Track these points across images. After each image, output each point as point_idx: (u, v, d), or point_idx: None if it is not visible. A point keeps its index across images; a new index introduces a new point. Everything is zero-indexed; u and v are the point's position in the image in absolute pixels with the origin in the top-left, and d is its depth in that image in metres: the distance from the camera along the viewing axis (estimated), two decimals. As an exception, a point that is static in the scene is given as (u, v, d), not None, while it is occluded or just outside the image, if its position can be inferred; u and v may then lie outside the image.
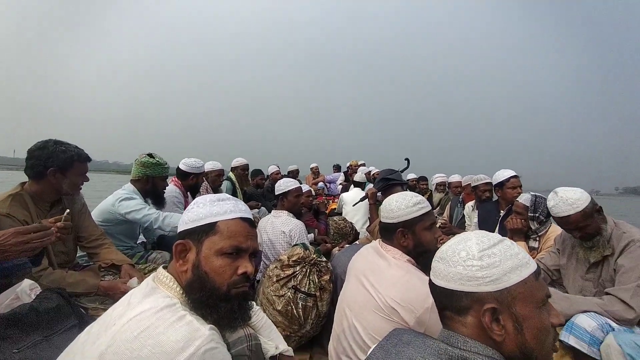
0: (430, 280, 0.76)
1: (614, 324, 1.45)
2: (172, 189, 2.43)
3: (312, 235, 2.85)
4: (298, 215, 2.44)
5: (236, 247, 0.78)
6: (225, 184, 3.73)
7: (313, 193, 3.80)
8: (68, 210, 1.19)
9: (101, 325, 0.69)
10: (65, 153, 1.46)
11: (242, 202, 0.88)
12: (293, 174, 6.08)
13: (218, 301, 0.75)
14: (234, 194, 3.84)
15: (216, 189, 3.43)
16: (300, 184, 2.85)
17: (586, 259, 1.69)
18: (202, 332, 0.65)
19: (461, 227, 3.50)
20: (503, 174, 2.77)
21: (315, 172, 7.26)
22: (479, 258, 0.65)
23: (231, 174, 4.04)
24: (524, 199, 2.34)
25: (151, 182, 2.12)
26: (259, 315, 1.11)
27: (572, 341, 1.46)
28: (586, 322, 1.46)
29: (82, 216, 1.66)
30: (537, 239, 2.34)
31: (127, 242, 2.13)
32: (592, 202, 1.64)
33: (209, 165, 3.35)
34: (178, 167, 2.60)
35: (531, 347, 0.63)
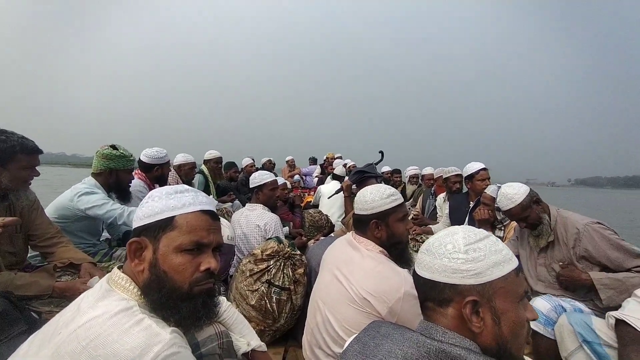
0: (414, 271, 0.76)
1: (565, 305, 1.56)
2: (136, 183, 2.31)
3: (287, 228, 2.83)
4: (273, 209, 2.40)
5: (197, 243, 0.74)
6: (197, 178, 3.61)
7: (289, 186, 3.75)
8: None
9: (45, 334, 0.62)
10: (6, 143, 1.32)
11: (203, 194, 0.83)
12: (268, 167, 5.98)
13: (179, 301, 0.70)
14: (206, 187, 3.73)
15: (189, 183, 3.31)
16: (276, 176, 2.80)
17: (536, 246, 1.82)
18: (162, 336, 0.60)
19: (433, 218, 3.61)
20: (473, 167, 2.85)
21: (291, 165, 7.20)
22: (465, 251, 0.67)
23: (203, 167, 3.91)
24: (491, 190, 2.44)
25: (115, 175, 1.99)
26: (229, 312, 1.08)
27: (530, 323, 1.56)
28: (541, 304, 1.57)
29: (33, 213, 1.52)
30: (502, 228, 2.47)
31: (89, 240, 2.00)
32: (530, 195, 1.76)
33: (181, 158, 3.23)
34: (139, 159, 2.47)
35: (506, 340, 0.65)
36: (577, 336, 1.40)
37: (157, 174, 2.50)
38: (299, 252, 1.83)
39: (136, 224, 0.75)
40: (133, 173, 2.18)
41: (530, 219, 1.78)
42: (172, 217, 0.73)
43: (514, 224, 2.29)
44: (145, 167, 2.48)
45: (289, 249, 1.75)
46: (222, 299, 1.05)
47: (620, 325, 1.32)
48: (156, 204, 0.75)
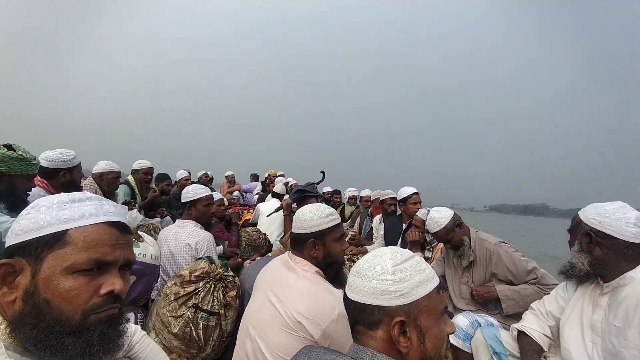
0: (345, 294, 0.76)
1: (480, 320, 1.72)
2: (36, 192, 1.93)
3: (221, 247, 2.65)
4: (207, 226, 2.23)
5: (97, 261, 0.60)
6: (122, 189, 3.21)
7: (226, 202, 3.55)
8: None
9: None
10: None
11: (111, 202, 0.70)
12: (204, 181, 5.64)
13: (64, 336, 0.56)
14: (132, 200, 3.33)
15: (112, 194, 2.92)
16: (213, 191, 2.63)
17: (459, 265, 2.02)
18: None
19: (369, 239, 3.76)
20: (406, 191, 3.06)
21: (231, 181, 6.92)
22: (392, 272, 0.69)
23: (130, 178, 3.50)
24: (422, 213, 2.65)
25: (7, 181, 1.64)
26: (143, 343, 0.94)
27: (451, 339, 1.68)
28: (462, 320, 1.71)
29: None
30: (431, 249, 2.67)
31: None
32: (453, 219, 1.99)
33: (104, 165, 2.84)
34: (40, 164, 2.10)
35: (430, 355, 0.68)
36: (489, 349, 1.54)
37: (63, 181, 2.09)
38: (232, 273, 1.71)
39: (10, 241, 0.60)
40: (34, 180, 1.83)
41: (453, 240, 1.98)
42: (65, 232, 0.59)
43: (441, 245, 2.50)
44: (47, 173, 2.06)
45: (220, 270, 1.63)
46: (135, 327, 0.91)
47: (521, 336, 1.49)
48: (42, 215, 0.60)
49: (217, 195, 2.92)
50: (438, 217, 1.98)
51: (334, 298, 1.11)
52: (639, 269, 1.19)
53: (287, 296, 1.15)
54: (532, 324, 1.49)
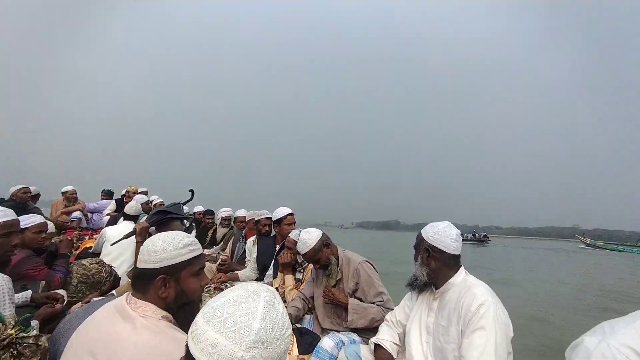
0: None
1: (344, 339, 1.79)
2: None
3: (29, 293, 1.91)
4: (2, 265, 1.56)
5: None
6: None
7: (48, 228, 2.60)
8: None
9: None
10: None
11: None
12: (21, 199, 4.12)
13: None
14: None
15: None
16: (36, 213, 1.90)
17: (327, 285, 2.09)
18: None
19: (242, 262, 3.54)
20: (282, 211, 3.02)
21: (70, 198, 5.40)
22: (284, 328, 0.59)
23: None
24: (294, 234, 2.66)
25: None
26: None
27: (317, 364, 1.67)
28: (327, 343, 1.73)
29: None
30: (302, 271, 2.69)
31: None
32: (321, 240, 2.09)
33: None
34: None
35: None
36: (349, 366, 1.60)
37: None
38: (35, 332, 1.21)
39: None
40: None
41: (321, 261, 2.04)
42: None
43: (311, 266, 2.56)
44: None
45: (12, 332, 1.12)
46: None
47: (377, 348, 1.61)
48: None
49: (30, 220, 2.15)
50: (307, 238, 2.03)
51: (180, 352, 0.90)
52: (456, 275, 1.48)
53: (113, 359, 0.86)
54: (385, 334, 1.64)
